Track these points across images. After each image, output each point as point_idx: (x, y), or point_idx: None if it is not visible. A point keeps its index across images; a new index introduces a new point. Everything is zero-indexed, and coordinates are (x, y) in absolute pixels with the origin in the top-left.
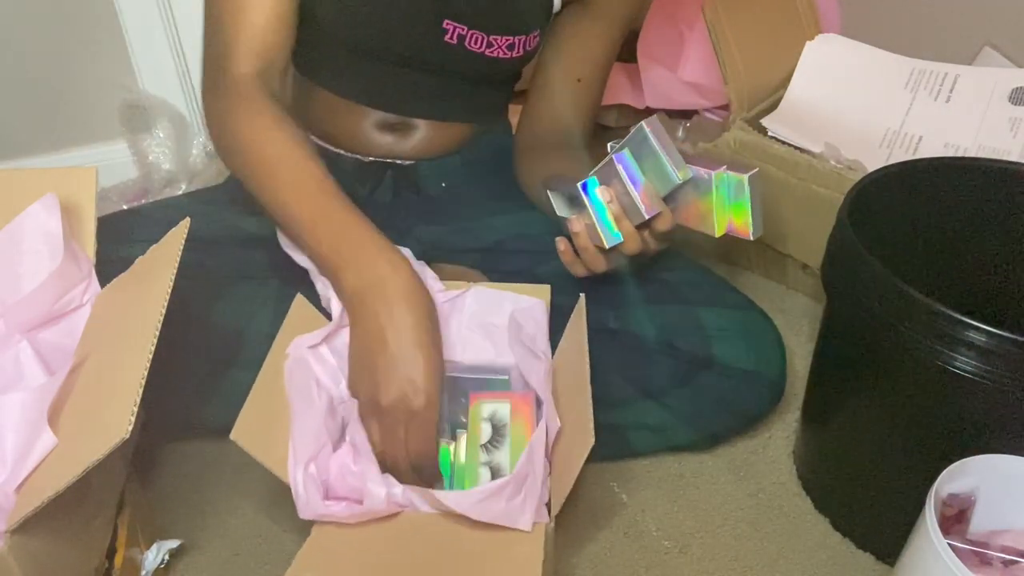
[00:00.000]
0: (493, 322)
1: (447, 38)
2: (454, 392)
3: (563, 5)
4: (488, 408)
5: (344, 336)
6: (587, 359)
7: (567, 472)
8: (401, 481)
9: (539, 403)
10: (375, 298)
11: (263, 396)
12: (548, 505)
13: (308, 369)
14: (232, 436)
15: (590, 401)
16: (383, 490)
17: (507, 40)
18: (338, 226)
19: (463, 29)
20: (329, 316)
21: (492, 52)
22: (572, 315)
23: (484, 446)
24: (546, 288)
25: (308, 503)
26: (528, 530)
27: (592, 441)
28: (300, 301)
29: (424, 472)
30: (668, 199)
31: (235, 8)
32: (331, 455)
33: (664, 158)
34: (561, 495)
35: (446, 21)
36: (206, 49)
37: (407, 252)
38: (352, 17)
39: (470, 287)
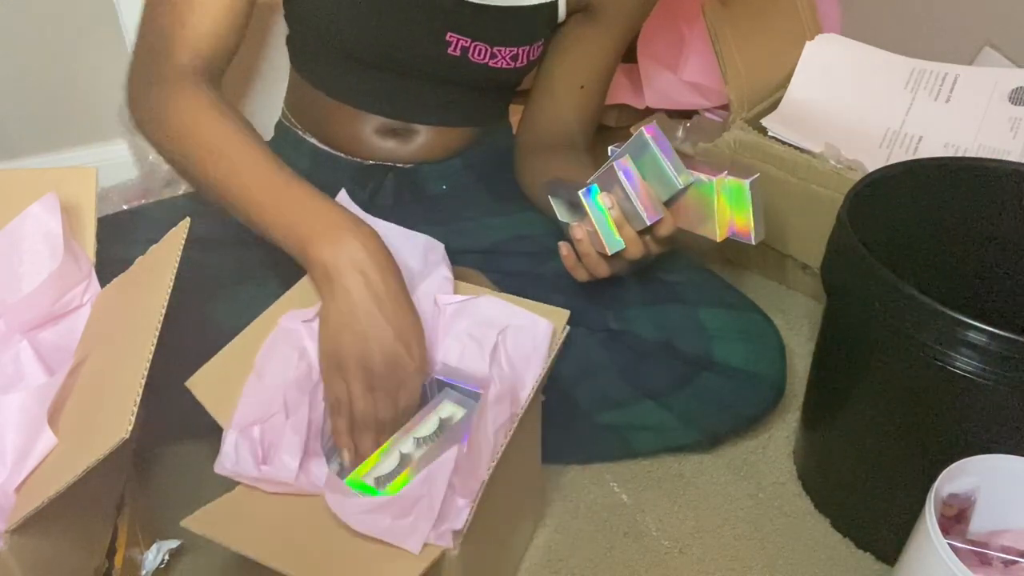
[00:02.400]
0: (487, 331)
1: (451, 50)
2: (431, 391)
3: (568, 14)
4: (448, 408)
5: None
6: (539, 403)
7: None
8: (365, 444)
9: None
10: (355, 266)
11: (236, 353)
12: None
13: (297, 340)
14: (187, 383)
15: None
16: (296, 463)
17: (511, 51)
18: (297, 200)
19: (467, 41)
20: None
21: (496, 63)
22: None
23: (418, 439)
24: (564, 313)
25: (236, 462)
26: (415, 552)
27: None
28: (307, 279)
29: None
30: (669, 203)
31: (182, 12)
32: (284, 423)
33: (665, 163)
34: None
35: (450, 34)
36: (142, 44)
37: (439, 245)
38: (355, 30)
39: (481, 295)
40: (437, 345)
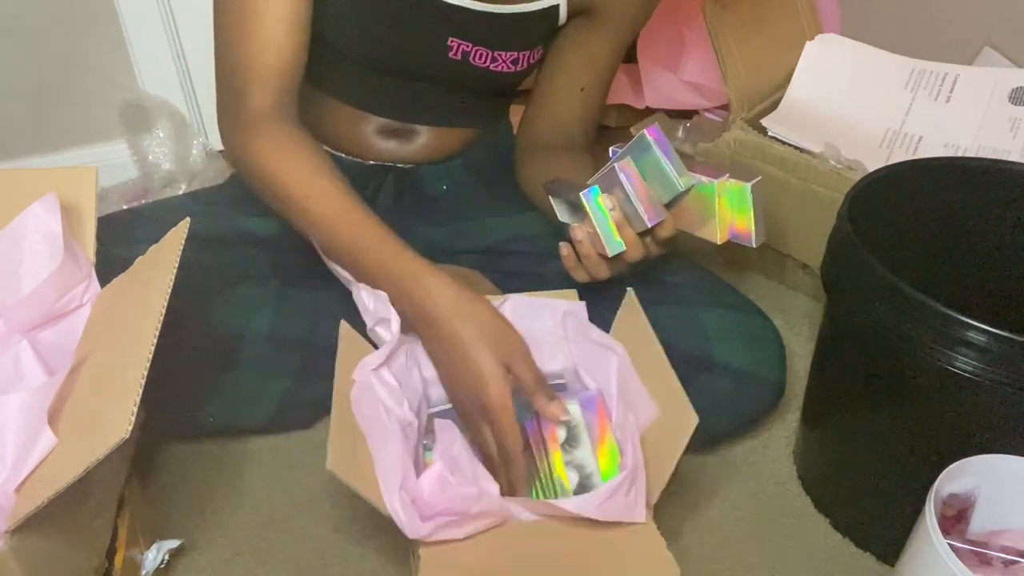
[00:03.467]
0: (534, 328)
1: (452, 55)
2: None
3: (568, 18)
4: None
5: (399, 358)
6: (658, 344)
7: (666, 459)
8: (511, 477)
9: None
10: (449, 306)
11: (345, 426)
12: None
13: (374, 394)
14: (328, 466)
15: (678, 382)
16: (496, 488)
17: (512, 55)
18: (376, 248)
19: (468, 46)
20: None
21: (497, 67)
22: (622, 307)
23: (563, 446)
24: (573, 292)
25: (412, 526)
26: (643, 521)
27: (696, 419)
28: (346, 328)
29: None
30: (670, 206)
31: (248, 45)
32: (415, 479)
33: (667, 166)
34: (660, 483)
35: (451, 39)
36: (219, 79)
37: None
38: (357, 35)
39: (507, 298)
40: None
